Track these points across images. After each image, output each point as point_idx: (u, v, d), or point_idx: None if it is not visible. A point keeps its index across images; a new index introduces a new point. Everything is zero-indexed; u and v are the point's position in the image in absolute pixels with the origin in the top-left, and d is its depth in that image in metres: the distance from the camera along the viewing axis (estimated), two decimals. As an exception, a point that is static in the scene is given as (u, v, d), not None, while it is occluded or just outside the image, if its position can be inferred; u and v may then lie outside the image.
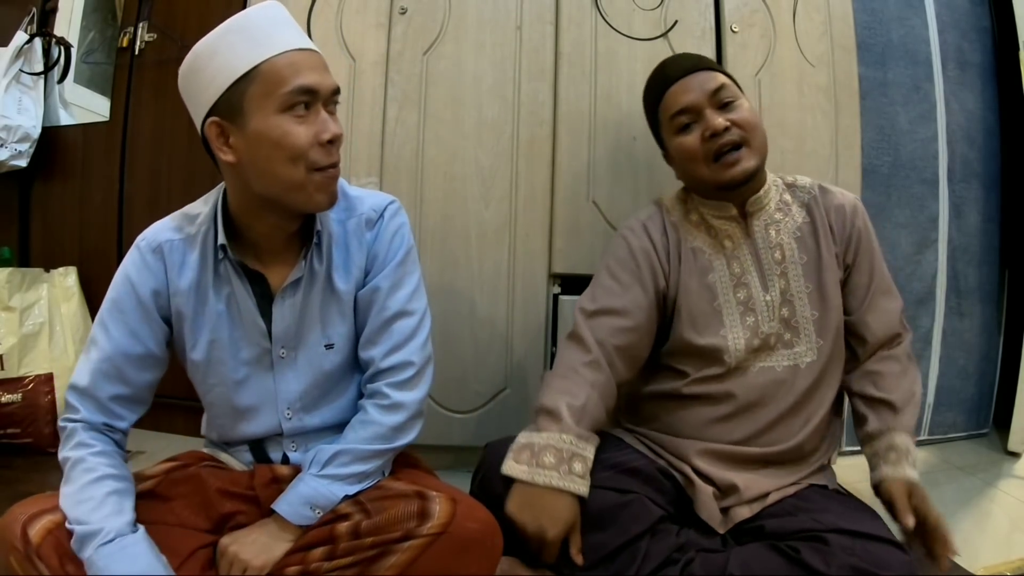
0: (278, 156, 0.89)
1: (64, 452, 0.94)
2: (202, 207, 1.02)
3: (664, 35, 1.61)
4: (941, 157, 1.97)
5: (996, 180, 2.07)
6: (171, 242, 1.00)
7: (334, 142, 0.92)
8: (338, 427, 1.04)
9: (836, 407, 1.20)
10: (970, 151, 2.01)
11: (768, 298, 1.15)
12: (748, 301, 1.16)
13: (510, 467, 1.02)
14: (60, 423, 0.97)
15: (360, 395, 1.07)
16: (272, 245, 1.00)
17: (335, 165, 0.94)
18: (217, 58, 0.89)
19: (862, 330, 1.18)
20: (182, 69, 0.93)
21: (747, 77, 1.62)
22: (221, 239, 0.97)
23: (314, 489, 0.94)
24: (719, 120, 1.11)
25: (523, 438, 1.05)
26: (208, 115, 0.91)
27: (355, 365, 1.07)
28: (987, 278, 2.05)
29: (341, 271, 1.03)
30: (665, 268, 1.19)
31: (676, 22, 1.61)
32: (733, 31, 1.62)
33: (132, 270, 0.99)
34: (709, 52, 1.61)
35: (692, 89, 1.14)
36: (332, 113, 0.94)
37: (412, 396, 1.02)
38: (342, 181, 1.07)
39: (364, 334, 1.04)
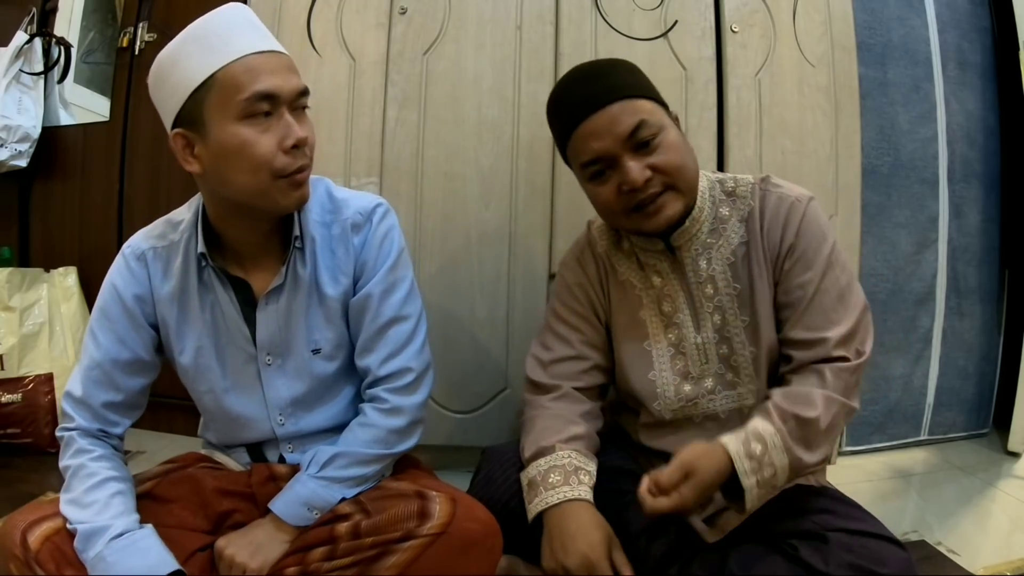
0: (239, 166, 0.87)
1: (64, 460, 0.94)
2: (185, 213, 1.01)
3: (664, 35, 1.61)
4: (941, 157, 1.97)
5: (996, 180, 2.06)
6: (154, 250, 1.00)
7: (299, 146, 0.89)
8: (335, 430, 1.04)
9: None
10: (970, 151, 2.01)
11: (699, 340, 1.05)
12: (679, 344, 1.07)
13: (529, 512, 0.97)
14: (58, 432, 0.97)
15: (357, 398, 1.06)
16: (251, 250, 0.99)
17: (302, 169, 0.91)
18: (178, 67, 0.87)
19: (789, 349, 1.01)
20: (149, 79, 0.91)
21: (747, 77, 1.61)
22: (200, 247, 0.96)
23: (312, 491, 0.94)
24: (639, 174, 0.95)
25: (524, 479, 1.00)
26: (173, 126, 0.89)
27: (349, 370, 1.06)
28: (987, 278, 2.05)
29: (328, 276, 1.00)
30: (602, 301, 1.13)
31: (676, 22, 1.61)
32: (733, 31, 1.61)
33: (117, 278, 1.00)
34: (709, 52, 1.61)
35: (603, 134, 0.96)
36: (300, 115, 0.91)
37: (412, 400, 1.01)
38: (329, 183, 1.05)
39: (359, 342, 1.02)
